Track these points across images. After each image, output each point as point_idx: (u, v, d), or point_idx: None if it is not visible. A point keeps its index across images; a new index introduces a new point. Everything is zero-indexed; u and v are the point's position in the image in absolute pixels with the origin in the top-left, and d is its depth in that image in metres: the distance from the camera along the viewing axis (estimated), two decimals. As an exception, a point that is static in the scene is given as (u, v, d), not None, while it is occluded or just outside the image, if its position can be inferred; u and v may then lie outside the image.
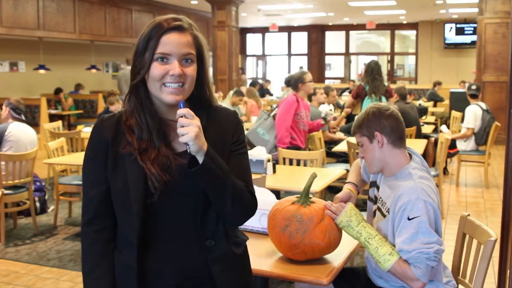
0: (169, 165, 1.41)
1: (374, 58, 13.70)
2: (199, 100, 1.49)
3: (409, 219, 1.95)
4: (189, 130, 1.32)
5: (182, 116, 1.34)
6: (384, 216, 2.11)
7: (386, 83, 6.08)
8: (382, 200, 2.15)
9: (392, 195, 2.06)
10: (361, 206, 2.50)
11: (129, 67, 9.31)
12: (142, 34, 1.42)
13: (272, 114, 5.02)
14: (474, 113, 6.55)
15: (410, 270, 1.92)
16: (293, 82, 5.03)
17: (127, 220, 1.43)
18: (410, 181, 2.03)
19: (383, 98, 5.88)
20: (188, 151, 1.35)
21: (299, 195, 2.08)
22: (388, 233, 2.07)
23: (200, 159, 1.36)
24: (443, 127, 6.76)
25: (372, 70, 5.95)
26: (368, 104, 5.78)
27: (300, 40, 20.11)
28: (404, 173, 2.08)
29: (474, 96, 6.84)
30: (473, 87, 6.96)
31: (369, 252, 2.01)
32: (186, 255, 1.45)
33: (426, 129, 7.17)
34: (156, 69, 1.39)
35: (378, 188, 2.22)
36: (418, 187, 1.99)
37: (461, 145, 6.69)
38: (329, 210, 2.03)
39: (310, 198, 2.09)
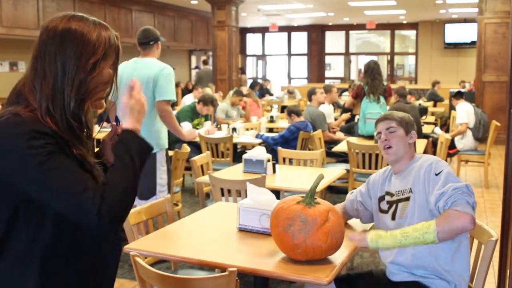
0: None
1: (374, 58, 13.68)
2: None
3: (436, 174, 2.13)
4: None
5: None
6: (408, 199, 2.20)
7: (385, 83, 6.08)
8: (399, 192, 2.26)
9: (409, 177, 2.23)
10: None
11: (208, 66, 9.56)
12: (106, 38, 1.38)
13: None
14: (464, 109, 6.71)
15: (452, 212, 1.99)
16: None
17: None
18: (422, 158, 2.28)
19: (382, 98, 5.88)
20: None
21: (303, 195, 2.08)
22: (417, 209, 2.15)
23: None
24: (437, 129, 6.94)
25: (372, 70, 5.96)
26: (366, 104, 5.88)
27: (300, 40, 20.09)
28: (414, 160, 2.31)
29: (459, 94, 7.10)
30: (456, 91, 7.45)
31: (412, 241, 2.02)
32: None
33: (426, 129, 7.23)
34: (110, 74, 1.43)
35: (385, 197, 2.32)
36: (431, 157, 2.25)
37: (459, 144, 6.70)
38: (355, 241, 2.13)
39: (315, 199, 2.08)
